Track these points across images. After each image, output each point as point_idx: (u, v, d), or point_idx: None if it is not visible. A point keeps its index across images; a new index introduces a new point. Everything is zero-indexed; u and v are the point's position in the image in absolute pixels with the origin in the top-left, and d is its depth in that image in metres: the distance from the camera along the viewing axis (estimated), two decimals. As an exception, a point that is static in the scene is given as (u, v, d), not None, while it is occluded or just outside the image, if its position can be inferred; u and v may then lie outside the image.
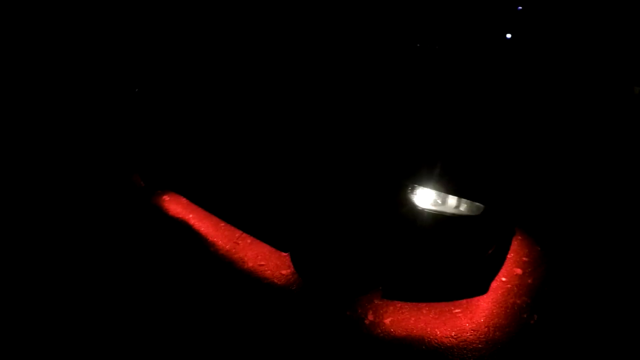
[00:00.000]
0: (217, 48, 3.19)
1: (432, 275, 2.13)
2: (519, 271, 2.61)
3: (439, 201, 1.99)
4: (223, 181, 2.71)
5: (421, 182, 1.99)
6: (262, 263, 2.64)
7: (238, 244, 2.84)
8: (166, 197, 3.48)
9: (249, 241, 2.85)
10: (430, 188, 1.99)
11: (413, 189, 1.98)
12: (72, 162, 4.25)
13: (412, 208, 1.96)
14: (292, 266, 2.56)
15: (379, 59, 3.44)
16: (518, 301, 2.37)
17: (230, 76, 2.84)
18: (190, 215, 3.19)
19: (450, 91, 3.29)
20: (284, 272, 2.56)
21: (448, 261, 2.05)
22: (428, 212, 1.95)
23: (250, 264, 2.63)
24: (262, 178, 2.42)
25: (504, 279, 2.53)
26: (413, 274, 2.14)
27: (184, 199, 3.35)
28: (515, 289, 2.46)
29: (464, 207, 2.00)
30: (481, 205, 1.99)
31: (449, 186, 2.01)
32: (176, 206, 3.34)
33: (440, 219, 1.96)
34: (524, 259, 2.73)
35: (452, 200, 2.00)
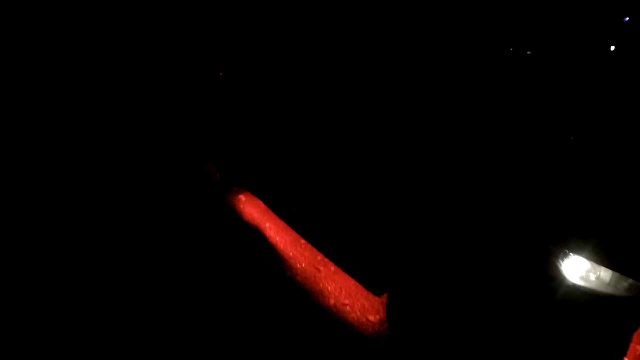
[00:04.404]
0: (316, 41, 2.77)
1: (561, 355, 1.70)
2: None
3: (592, 275, 1.57)
4: (311, 191, 2.35)
5: (573, 248, 1.56)
6: (346, 302, 2.30)
7: (319, 270, 2.51)
8: (242, 197, 3.23)
9: (332, 269, 2.52)
10: (584, 257, 1.55)
11: (564, 256, 1.56)
12: (146, 147, 4.16)
13: (560, 280, 1.55)
14: (382, 312, 2.20)
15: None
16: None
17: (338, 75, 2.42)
18: (267, 225, 2.90)
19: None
20: (371, 318, 2.21)
21: (586, 344, 1.65)
22: (577, 288, 1.54)
23: (332, 301, 2.30)
24: (362, 196, 2.03)
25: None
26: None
27: (262, 204, 3.07)
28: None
29: (620, 285, 1.56)
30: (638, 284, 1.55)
31: (606, 257, 1.57)
32: (252, 210, 3.08)
33: (591, 298, 1.54)
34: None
35: (605, 274, 1.56)
